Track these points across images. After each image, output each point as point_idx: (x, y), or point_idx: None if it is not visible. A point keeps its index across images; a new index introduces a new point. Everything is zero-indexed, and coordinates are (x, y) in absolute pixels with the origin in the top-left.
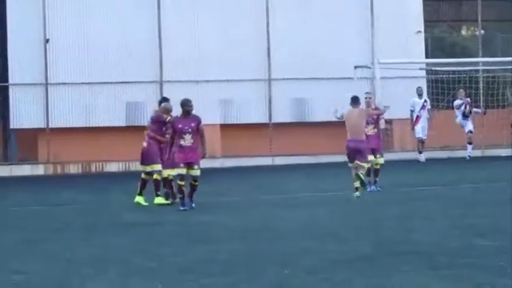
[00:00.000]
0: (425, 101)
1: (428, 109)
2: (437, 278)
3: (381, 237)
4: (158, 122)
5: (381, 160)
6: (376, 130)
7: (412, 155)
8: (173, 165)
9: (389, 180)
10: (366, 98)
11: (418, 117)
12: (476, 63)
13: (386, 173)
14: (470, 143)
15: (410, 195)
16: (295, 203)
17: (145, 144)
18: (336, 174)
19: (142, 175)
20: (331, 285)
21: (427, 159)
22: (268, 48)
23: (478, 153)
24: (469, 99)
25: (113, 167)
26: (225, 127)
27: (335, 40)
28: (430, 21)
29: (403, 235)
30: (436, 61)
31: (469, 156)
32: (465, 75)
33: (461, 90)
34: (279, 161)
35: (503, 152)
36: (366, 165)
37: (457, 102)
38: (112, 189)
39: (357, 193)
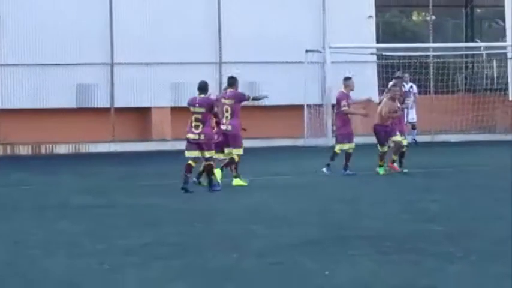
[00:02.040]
0: (411, 86)
1: (414, 94)
2: (385, 263)
3: (330, 222)
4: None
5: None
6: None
7: (361, 140)
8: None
9: (339, 164)
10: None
11: None
12: (426, 49)
13: (337, 157)
14: (414, 128)
15: (360, 179)
16: (246, 186)
17: (229, 127)
18: (288, 158)
19: (234, 156)
20: (280, 269)
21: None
22: (220, 32)
23: (427, 138)
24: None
25: (62, 149)
26: (175, 110)
27: (286, 24)
28: (381, 6)
29: (352, 220)
30: (387, 46)
31: (414, 140)
32: (415, 61)
33: (406, 75)
34: None
35: (453, 138)
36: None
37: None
38: (62, 171)
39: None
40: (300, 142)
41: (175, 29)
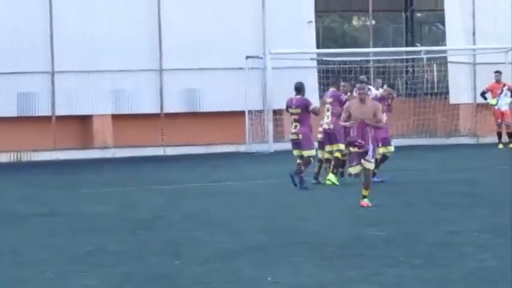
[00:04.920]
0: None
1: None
2: (328, 268)
3: (273, 228)
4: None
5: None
6: None
7: None
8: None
9: (282, 169)
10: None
11: None
12: (367, 53)
13: (279, 162)
14: None
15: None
16: (187, 193)
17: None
18: (228, 165)
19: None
20: (222, 275)
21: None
22: (160, 38)
23: None
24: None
25: (4, 158)
26: (116, 117)
27: (227, 30)
28: (321, 11)
29: (295, 225)
30: (327, 51)
31: None
32: (356, 66)
33: (379, 80)
34: (171, 151)
35: (394, 142)
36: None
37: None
38: (4, 179)
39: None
40: (242, 148)
41: (116, 36)
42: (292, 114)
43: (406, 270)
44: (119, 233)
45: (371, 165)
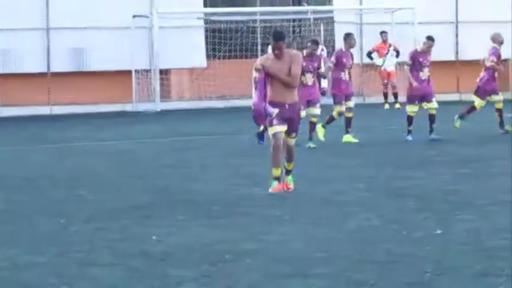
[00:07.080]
0: (322, 49)
1: (325, 57)
2: (212, 226)
3: (158, 187)
4: None
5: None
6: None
7: (189, 104)
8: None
9: (167, 129)
10: None
11: None
12: (254, 13)
13: (164, 121)
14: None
15: (187, 144)
16: (72, 152)
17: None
18: (114, 124)
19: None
20: (107, 234)
21: (205, 109)
22: None
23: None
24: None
25: None
26: (3, 77)
27: None
28: None
29: (180, 184)
30: (214, 10)
31: None
32: (243, 25)
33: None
34: (57, 110)
35: None
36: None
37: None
38: None
39: None
40: (128, 107)
41: None
42: None
43: (292, 229)
44: (4, 192)
45: (292, 141)
